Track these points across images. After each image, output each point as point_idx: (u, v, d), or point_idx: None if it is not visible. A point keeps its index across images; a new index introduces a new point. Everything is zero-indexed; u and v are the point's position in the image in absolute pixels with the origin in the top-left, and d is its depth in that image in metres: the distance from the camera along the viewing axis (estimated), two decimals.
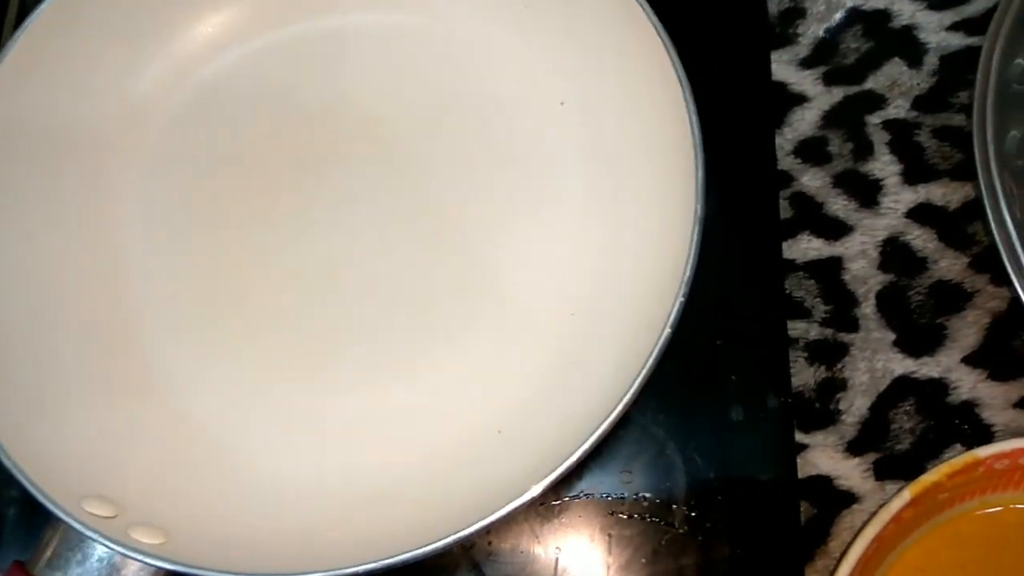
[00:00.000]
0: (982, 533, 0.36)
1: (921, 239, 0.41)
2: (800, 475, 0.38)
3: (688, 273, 0.28)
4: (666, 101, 0.31)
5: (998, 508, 0.36)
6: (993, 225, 0.35)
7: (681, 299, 0.28)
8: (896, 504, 0.34)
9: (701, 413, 0.33)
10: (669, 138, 0.31)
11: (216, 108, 0.40)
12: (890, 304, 0.40)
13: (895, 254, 0.41)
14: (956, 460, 0.34)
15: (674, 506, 0.32)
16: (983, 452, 0.34)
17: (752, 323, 0.35)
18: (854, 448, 0.38)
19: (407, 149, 0.39)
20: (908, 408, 0.39)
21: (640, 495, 0.32)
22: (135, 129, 0.39)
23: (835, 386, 0.39)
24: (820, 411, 0.39)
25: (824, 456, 0.38)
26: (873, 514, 0.34)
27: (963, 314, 0.40)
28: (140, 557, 0.27)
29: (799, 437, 0.38)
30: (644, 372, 0.27)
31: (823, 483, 0.38)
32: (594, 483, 0.33)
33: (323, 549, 0.27)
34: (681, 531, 0.31)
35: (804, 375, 0.39)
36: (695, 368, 0.34)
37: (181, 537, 0.27)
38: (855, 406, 0.39)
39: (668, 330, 0.28)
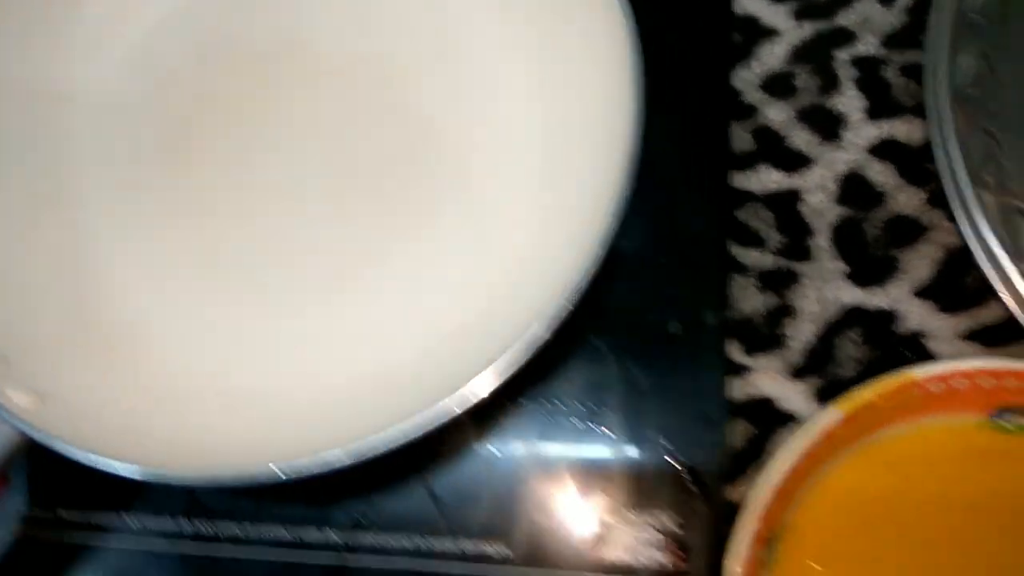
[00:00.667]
0: (916, 455, 0.37)
1: (881, 174, 0.42)
2: (743, 397, 0.39)
3: (620, 196, 0.29)
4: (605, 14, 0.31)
5: (933, 430, 0.37)
6: (939, 159, 0.35)
7: (611, 219, 0.28)
8: (826, 419, 0.35)
9: (641, 326, 0.34)
10: (607, 62, 0.31)
11: (162, 53, 0.40)
12: (845, 236, 0.41)
13: (854, 188, 0.42)
14: (891, 380, 0.35)
15: (609, 413, 0.33)
16: (918, 373, 0.35)
17: (697, 245, 0.36)
18: (799, 373, 0.39)
19: (364, 83, 0.39)
20: (855, 337, 0.39)
21: (579, 402, 0.33)
22: (83, 79, 0.40)
23: (784, 313, 0.40)
24: (767, 336, 0.40)
25: (768, 379, 0.39)
26: (803, 428, 0.35)
27: (917, 248, 0.40)
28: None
29: (745, 360, 0.39)
30: (579, 283, 0.28)
31: (765, 405, 0.38)
32: (538, 390, 0.34)
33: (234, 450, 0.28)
34: (613, 436, 0.32)
35: (754, 301, 0.40)
36: (639, 284, 0.35)
37: (59, 408, 0.28)
38: (802, 332, 0.40)
39: (600, 251, 0.28)
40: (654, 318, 0.34)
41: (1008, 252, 0.33)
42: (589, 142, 0.30)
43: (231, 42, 0.40)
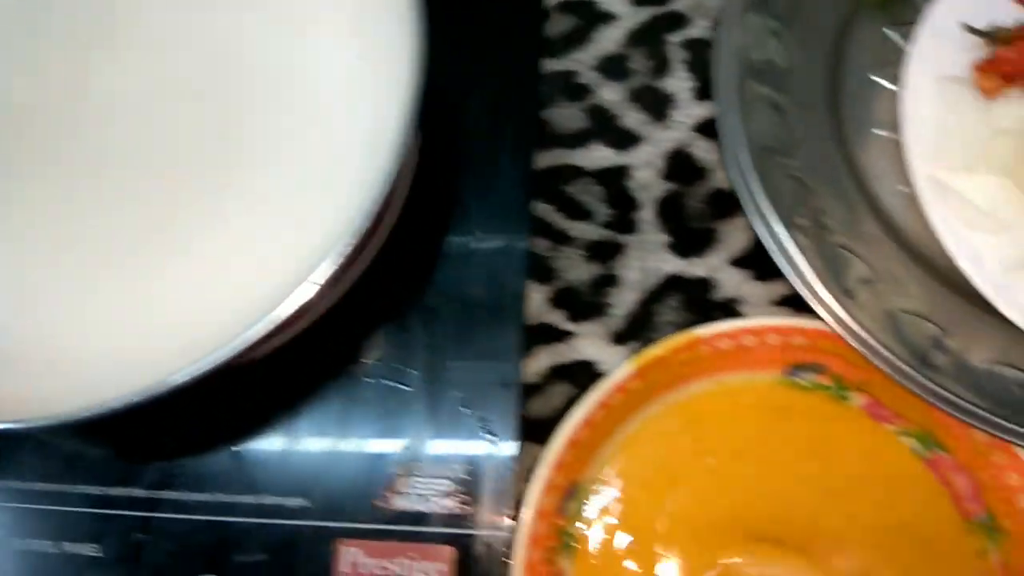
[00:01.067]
0: (717, 411, 0.39)
1: (704, 151, 0.44)
2: (566, 360, 0.41)
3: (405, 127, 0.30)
4: None
5: (732, 388, 0.39)
6: (748, 209, 0.35)
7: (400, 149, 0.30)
8: (620, 374, 0.37)
9: (446, 292, 0.36)
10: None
11: None
12: (668, 210, 0.43)
13: (679, 164, 0.44)
14: (679, 336, 0.37)
15: (411, 372, 0.35)
16: (702, 331, 0.37)
17: (503, 217, 0.38)
18: (619, 338, 0.41)
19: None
20: (674, 304, 0.42)
21: (383, 363, 0.35)
22: None
23: (608, 282, 0.42)
24: (591, 304, 0.42)
25: (590, 344, 0.41)
26: (599, 382, 0.37)
27: (734, 220, 0.42)
28: None
29: (569, 326, 0.41)
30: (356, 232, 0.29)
31: (586, 367, 0.40)
32: (343, 352, 0.36)
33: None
34: (411, 391, 0.34)
35: (580, 271, 0.42)
36: (446, 251, 0.37)
37: None
38: (625, 300, 0.42)
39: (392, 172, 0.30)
40: (458, 283, 0.36)
41: (827, 285, 0.34)
42: (370, 101, 0.32)
43: (34, 15, 0.40)
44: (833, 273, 0.33)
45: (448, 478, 0.33)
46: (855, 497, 0.37)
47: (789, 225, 0.33)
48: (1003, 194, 0.33)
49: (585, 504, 0.37)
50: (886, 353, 0.32)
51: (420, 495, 0.33)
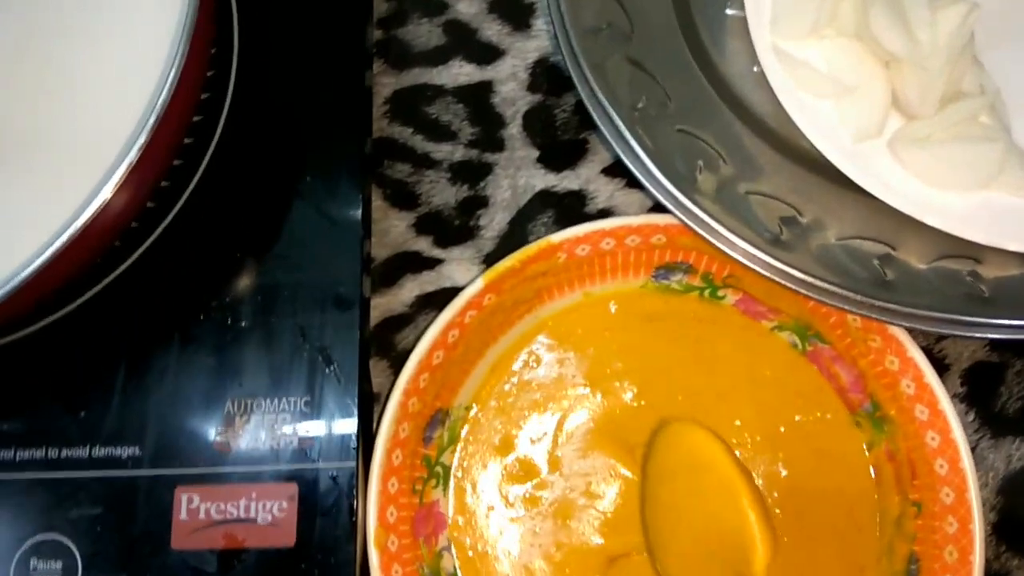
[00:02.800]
0: (585, 325, 0.37)
1: None
2: (434, 288, 0.39)
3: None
4: None
5: (599, 299, 0.37)
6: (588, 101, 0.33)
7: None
8: (470, 290, 0.35)
9: (277, 217, 0.34)
10: None
11: None
12: (536, 123, 0.41)
13: (544, 75, 0.41)
14: (530, 246, 0.35)
15: (244, 306, 0.33)
16: (556, 237, 0.35)
17: (336, 139, 0.35)
18: (491, 260, 0.39)
19: None
20: (547, 220, 0.40)
21: (215, 298, 0.33)
22: None
23: (476, 204, 0.40)
24: (459, 227, 0.40)
25: (460, 269, 0.39)
26: (449, 303, 0.35)
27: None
28: None
29: (436, 253, 0.39)
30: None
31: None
32: (175, 290, 0.34)
33: None
34: (246, 326, 0.32)
35: (445, 194, 0.40)
36: (276, 176, 0.34)
37: None
38: (495, 221, 0.40)
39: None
40: (291, 211, 0.34)
41: (666, 171, 0.32)
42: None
43: None
44: (677, 159, 0.31)
45: (287, 412, 0.32)
46: (739, 399, 0.35)
47: (628, 111, 0.31)
48: (849, 58, 0.31)
49: (456, 432, 0.36)
50: (733, 237, 0.30)
51: (259, 433, 0.31)
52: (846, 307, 0.30)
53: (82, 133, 0.30)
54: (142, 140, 0.28)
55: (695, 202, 0.30)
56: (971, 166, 0.30)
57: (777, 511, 0.33)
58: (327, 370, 0.31)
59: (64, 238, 0.27)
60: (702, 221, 0.30)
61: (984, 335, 0.29)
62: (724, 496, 0.31)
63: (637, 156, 0.31)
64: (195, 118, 0.34)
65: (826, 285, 0.29)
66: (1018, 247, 0.29)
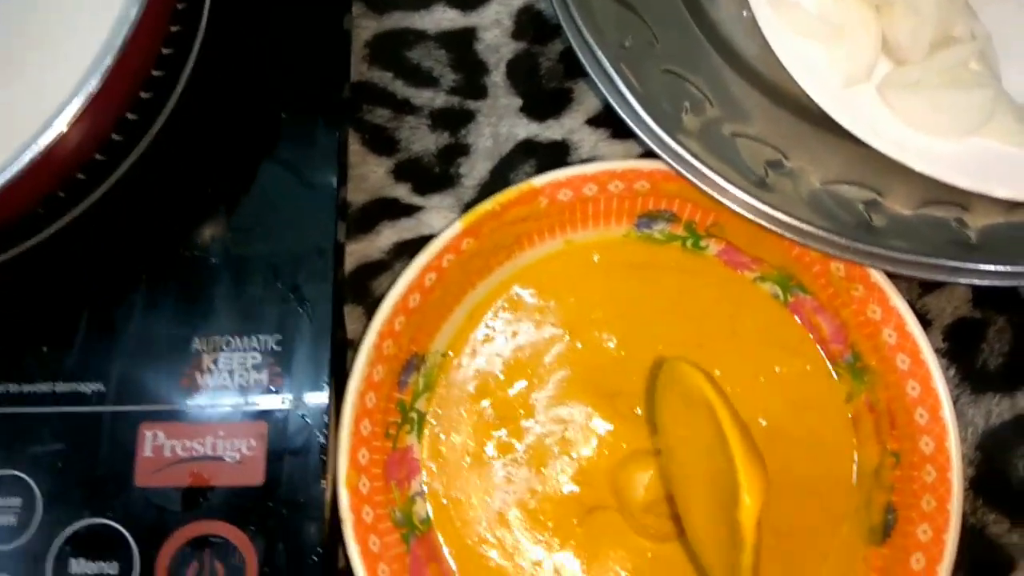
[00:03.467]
0: (567, 273, 0.36)
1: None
2: (413, 236, 0.38)
3: None
4: None
5: (581, 247, 0.36)
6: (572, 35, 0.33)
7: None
8: (448, 233, 0.34)
9: (250, 158, 0.33)
10: None
11: None
12: (520, 71, 0.40)
13: (529, 22, 0.41)
14: (511, 189, 0.35)
15: (215, 244, 0.32)
16: (537, 181, 0.35)
17: (310, 82, 0.35)
18: (470, 207, 0.38)
19: None
20: (529, 170, 0.39)
21: (186, 233, 0.32)
22: None
23: (457, 151, 0.39)
24: (439, 175, 0.39)
25: (439, 217, 0.38)
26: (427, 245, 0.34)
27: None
28: None
29: (416, 200, 0.38)
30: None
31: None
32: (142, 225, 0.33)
33: None
34: (216, 263, 0.31)
35: (425, 141, 0.39)
36: (250, 114, 0.33)
37: None
38: (476, 170, 0.39)
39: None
40: (262, 148, 0.33)
41: (652, 112, 0.31)
42: None
43: None
44: (662, 99, 0.30)
45: (258, 351, 0.31)
46: (719, 349, 0.35)
47: (614, 49, 0.30)
48: (839, 1, 0.31)
49: (432, 378, 0.35)
50: (718, 178, 0.29)
51: (228, 371, 0.31)
52: (830, 251, 0.29)
53: (43, 60, 0.29)
54: (104, 67, 0.27)
55: (680, 142, 0.29)
56: (960, 112, 0.30)
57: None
58: (299, 310, 0.30)
59: (17, 166, 0.26)
60: (686, 162, 0.29)
61: (968, 280, 0.29)
62: (717, 438, 0.31)
63: (622, 95, 0.30)
64: (164, 51, 0.32)
65: (811, 228, 0.29)
66: (1005, 194, 0.29)
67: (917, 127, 0.30)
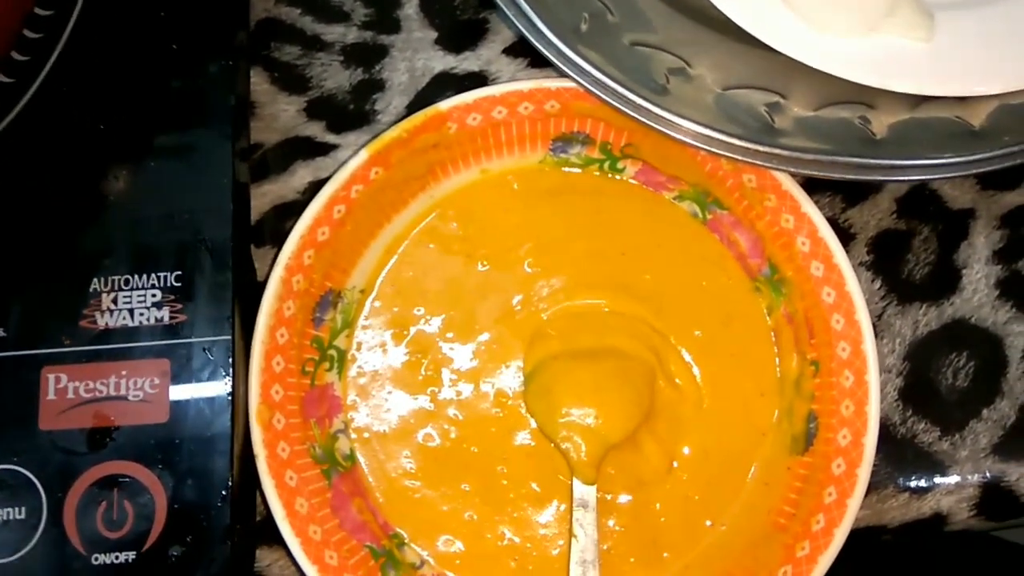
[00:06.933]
0: (480, 202, 0.35)
1: None
2: (328, 175, 0.37)
3: None
4: None
5: (496, 176, 0.36)
6: None
7: None
8: (354, 163, 0.34)
9: (153, 93, 0.32)
10: None
11: None
12: (433, 3, 0.39)
13: None
14: (417, 114, 0.34)
15: (118, 182, 0.31)
16: (444, 105, 0.34)
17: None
18: None
19: None
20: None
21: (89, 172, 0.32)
22: None
23: (372, 87, 0.38)
24: (354, 112, 0.38)
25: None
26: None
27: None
28: None
29: (330, 138, 0.38)
30: None
31: None
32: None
33: None
34: (114, 201, 0.30)
35: (338, 78, 0.38)
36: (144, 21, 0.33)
37: None
38: (392, 105, 0.38)
39: None
40: (156, 84, 0.32)
41: (551, 24, 0.30)
42: None
43: None
44: (561, 10, 0.30)
45: (157, 288, 0.30)
46: (642, 275, 0.34)
47: None
48: None
49: (350, 315, 0.34)
50: (620, 88, 0.28)
51: (128, 310, 0.30)
52: (735, 156, 0.29)
53: None
54: None
55: (580, 53, 0.29)
56: (861, 7, 0.29)
57: (692, 367, 0.33)
58: (198, 246, 0.30)
59: None
60: (587, 73, 0.29)
61: (873, 176, 0.28)
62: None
63: (519, 7, 0.29)
64: None
65: (714, 134, 0.28)
66: (908, 87, 0.29)
67: (818, 26, 0.30)
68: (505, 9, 0.30)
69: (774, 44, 0.29)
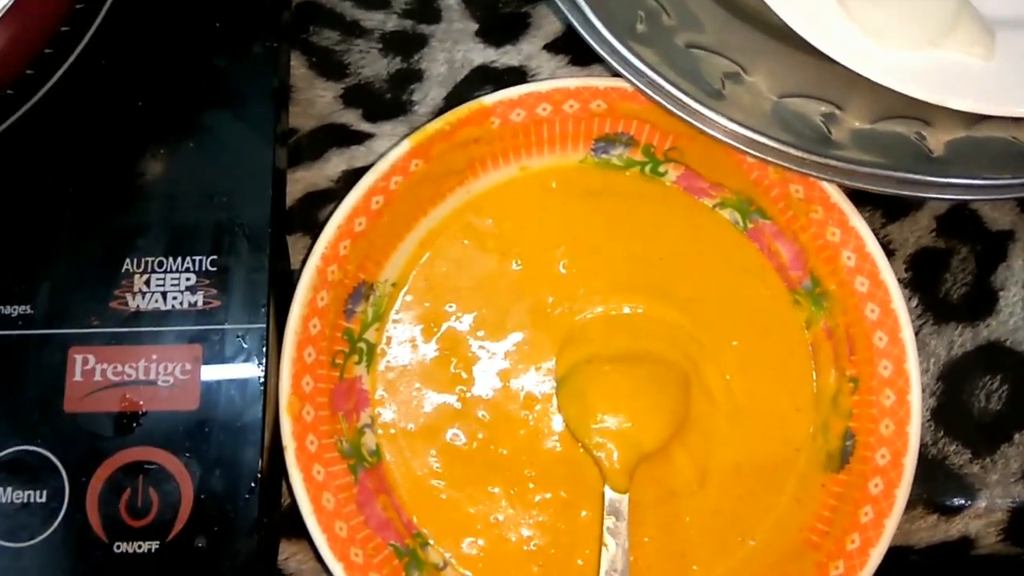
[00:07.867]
0: (522, 202, 0.35)
1: None
2: (363, 164, 0.36)
3: None
4: None
5: (536, 174, 0.35)
6: None
7: None
8: (395, 153, 0.33)
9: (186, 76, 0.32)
10: None
11: None
12: None
13: None
14: (460, 108, 0.33)
15: (156, 165, 0.30)
16: (488, 99, 0.33)
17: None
18: None
19: None
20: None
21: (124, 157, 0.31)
22: None
23: (410, 77, 0.38)
24: (391, 101, 0.37)
25: (389, 144, 0.37)
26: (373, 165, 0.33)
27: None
28: None
29: (365, 127, 0.37)
30: None
31: None
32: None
33: None
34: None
35: (377, 66, 0.38)
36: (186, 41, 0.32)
37: None
38: (430, 96, 0.37)
39: None
40: (196, 65, 0.31)
41: (608, 23, 0.30)
42: None
43: None
44: (618, 8, 0.29)
45: (192, 272, 0.29)
46: (679, 281, 0.34)
47: None
48: None
49: (381, 309, 0.34)
50: (673, 90, 0.28)
51: (161, 293, 0.29)
52: (787, 164, 0.28)
53: None
54: None
55: (634, 51, 0.28)
56: (922, 21, 0.29)
57: (727, 377, 0.32)
58: (236, 230, 0.29)
59: None
60: (640, 72, 0.28)
61: (928, 194, 0.28)
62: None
63: (575, 4, 0.29)
64: None
65: (767, 141, 0.28)
66: (966, 106, 0.28)
67: (879, 39, 0.29)
68: (562, 6, 0.30)
69: (833, 55, 0.28)
